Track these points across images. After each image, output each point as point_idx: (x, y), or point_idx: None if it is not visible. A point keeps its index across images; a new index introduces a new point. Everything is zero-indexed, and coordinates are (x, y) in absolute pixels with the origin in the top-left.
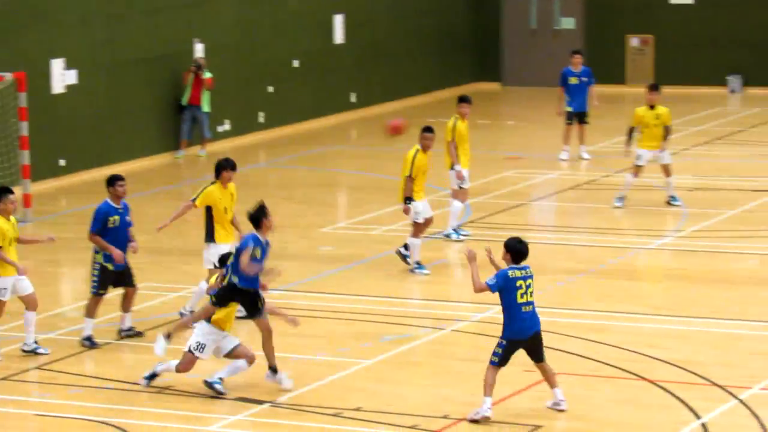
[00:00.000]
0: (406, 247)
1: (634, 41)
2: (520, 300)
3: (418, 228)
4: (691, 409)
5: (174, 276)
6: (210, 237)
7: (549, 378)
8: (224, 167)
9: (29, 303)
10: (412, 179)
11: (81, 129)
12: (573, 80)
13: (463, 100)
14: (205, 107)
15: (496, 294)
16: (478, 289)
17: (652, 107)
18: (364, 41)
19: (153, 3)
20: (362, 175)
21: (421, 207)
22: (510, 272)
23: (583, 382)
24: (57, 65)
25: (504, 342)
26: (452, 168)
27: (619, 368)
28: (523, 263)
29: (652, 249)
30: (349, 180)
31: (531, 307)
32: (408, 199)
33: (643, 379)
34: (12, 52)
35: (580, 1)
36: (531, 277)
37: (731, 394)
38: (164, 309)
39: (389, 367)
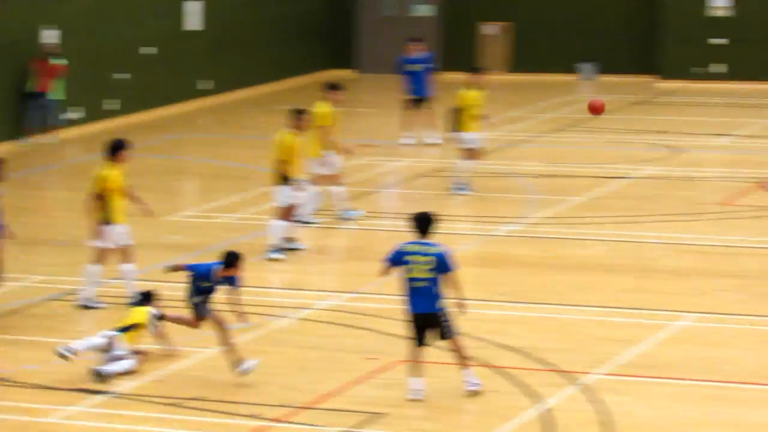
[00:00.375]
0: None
1: (489, 28)
2: (407, 275)
3: (289, 211)
4: (535, 395)
5: (15, 265)
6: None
7: (457, 356)
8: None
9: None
10: (285, 161)
11: None
12: (413, 67)
13: (336, 87)
14: (56, 94)
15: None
16: (380, 270)
17: (472, 90)
18: (220, 28)
19: None
20: (212, 163)
21: (288, 192)
22: (406, 245)
23: (429, 369)
24: None
25: (409, 319)
26: (319, 155)
27: None
28: (429, 239)
29: (499, 236)
30: (198, 168)
31: (426, 283)
32: (287, 180)
33: (489, 366)
34: None
35: None
36: (434, 255)
37: (574, 379)
38: (4, 299)
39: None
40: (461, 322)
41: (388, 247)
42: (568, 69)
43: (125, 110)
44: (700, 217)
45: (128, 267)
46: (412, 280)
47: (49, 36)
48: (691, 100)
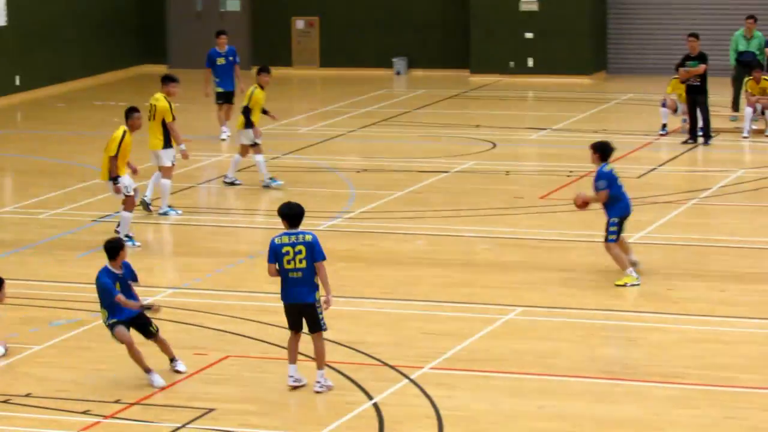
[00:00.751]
0: (119, 225)
1: (299, 23)
2: (286, 266)
3: (130, 201)
4: (363, 390)
5: None
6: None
7: (317, 353)
8: None
9: None
10: (116, 158)
11: None
12: (220, 61)
13: (264, 70)
14: None
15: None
16: (270, 273)
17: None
18: (28, 23)
19: None
20: (28, 158)
21: (128, 181)
22: (277, 238)
23: (255, 364)
24: None
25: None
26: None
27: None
28: (301, 230)
29: (321, 230)
30: (14, 164)
31: (300, 273)
32: (115, 178)
33: (313, 359)
34: None
35: None
36: (304, 244)
37: (402, 374)
38: None
39: (59, 352)
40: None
41: (210, 241)
42: (380, 64)
43: None
44: (519, 210)
45: None
46: (291, 270)
47: None
48: (503, 94)
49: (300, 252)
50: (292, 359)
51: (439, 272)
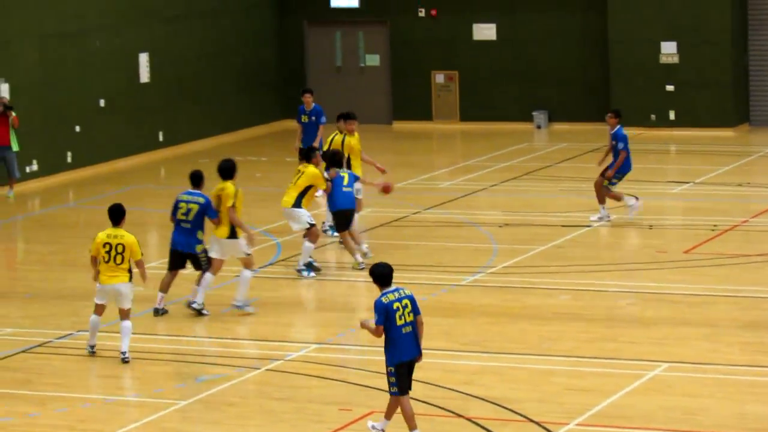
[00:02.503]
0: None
1: (439, 77)
2: (399, 322)
3: (313, 233)
4: None
5: None
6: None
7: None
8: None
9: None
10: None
11: None
12: (304, 118)
13: (348, 117)
14: (14, 146)
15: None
16: (379, 334)
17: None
18: (170, 80)
19: None
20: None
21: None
22: (383, 298)
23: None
24: None
25: (392, 369)
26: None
27: (435, 405)
28: (394, 285)
29: (464, 285)
30: (158, 219)
31: (410, 328)
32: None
33: (459, 416)
34: None
35: (384, 38)
36: (408, 297)
37: (548, 430)
38: None
39: (204, 407)
40: (430, 373)
41: (350, 296)
42: (521, 117)
43: (79, 163)
44: (663, 265)
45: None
46: (403, 326)
47: (5, 89)
48: (645, 147)
49: (407, 306)
50: (415, 424)
51: (582, 327)
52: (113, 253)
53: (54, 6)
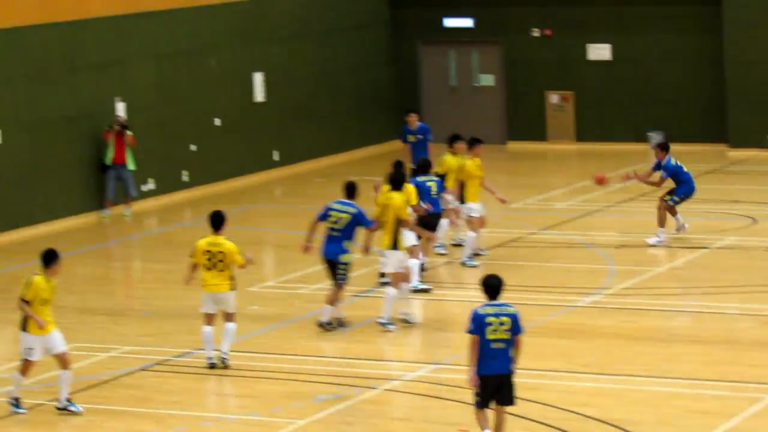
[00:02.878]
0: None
1: (553, 98)
2: (489, 336)
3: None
4: None
5: (104, 335)
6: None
7: (499, 425)
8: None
9: (62, 361)
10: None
11: (5, 189)
12: (411, 138)
13: (454, 138)
14: (131, 165)
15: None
16: (471, 343)
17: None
18: (285, 99)
19: (73, 62)
20: (287, 233)
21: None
22: (480, 310)
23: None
24: None
25: (479, 381)
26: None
27: (554, 427)
28: (503, 301)
29: (580, 306)
30: (274, 238)
31: (503, 344)
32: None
33: None
34: None
35: (499, 58)
36: (509, 315)
37: None
38: (95, 370)
39: (322, 427)
40: (549, 394)
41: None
42: (636, 138)
43: (195, 181)
44: None
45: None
46: (493, 341)
47: (121, 108)
48: (763, 169)
49: (503, 324)
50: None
51: (702, 350)
52: (214, 260)
53: (169, 26)
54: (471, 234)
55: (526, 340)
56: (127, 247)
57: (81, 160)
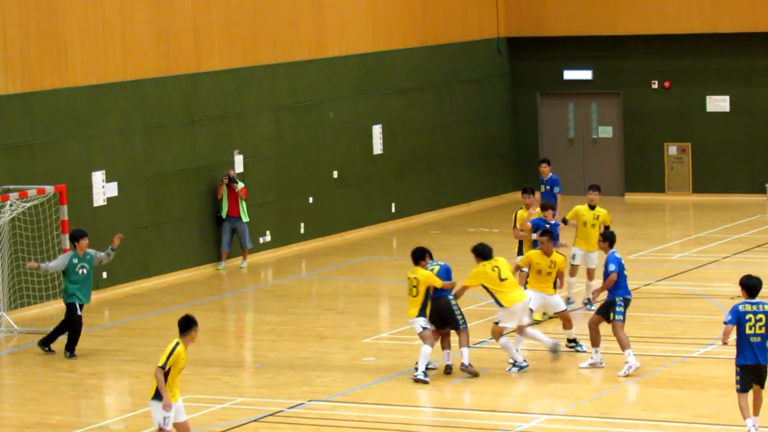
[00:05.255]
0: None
1: (672, 149)
2: (748, 331)
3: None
4: None
5: (217, 387)
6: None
7: (755, 403)
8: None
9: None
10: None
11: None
12: (541, 188)
13: (524, 190)
14: (244, 218)
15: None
16: (725, 332)
17: (592, 207)
18: (403, 151)
19: (191, 114)
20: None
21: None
22: (741, 306)
23: None
24: (97, 178)
25: (738, 369)
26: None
27: None
28: (758, 299)
29: (695, 357)
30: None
31: (759, 338)
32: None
33: None
34: (53, 165)
35: (618, 110)
36: (764, 312)
37: None
38: (208, 421)
39: None
40: None
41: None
42: (754, 189)
43: (311, 233)
44: None
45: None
46: (752, 335)
47: (239, 160)
48: None
49: (761, 320)
50: (748, 414)
51: None
52: (410, 286)
53: (288, 78)
54: (571, 280)
55: (639, 390)
56: (242, 299)
57: (198, 212)
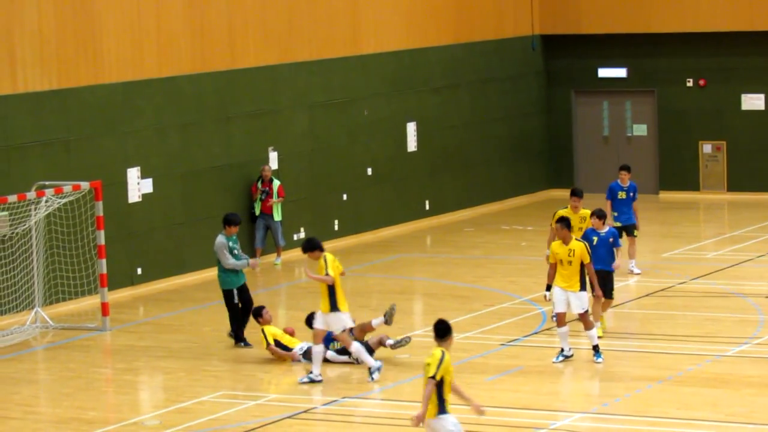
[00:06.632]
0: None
1: (706, 148)
2: None
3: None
4: None
5: (251, 383)
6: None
7: None
8: None
9: None
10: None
11: (157, 237)
12: (621, 195)
13: (572, 193)
14: (277, 216)
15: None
16: None
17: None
18: (437, 148)
19: (226, 111)
20: (437, 282)
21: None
22: None
23: None
24: (132, 174)
25: None
26: None
27: None
28: None
29: (729, 356)
30: (424, 287)
31: None
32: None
33: None
34: (88, 162)
35: (652, 108)
36: None
37: None
38: (242, 417)
39: None
40: None
41: (621, 366)
42: None
43: (345, 230)
44: None
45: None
46: None
47: (273, 157)
48: None
49: None
50: None
51: None
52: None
53: (323, 76)
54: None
55: (672, 389)
56: (275, 296)
57: (232, 209)
